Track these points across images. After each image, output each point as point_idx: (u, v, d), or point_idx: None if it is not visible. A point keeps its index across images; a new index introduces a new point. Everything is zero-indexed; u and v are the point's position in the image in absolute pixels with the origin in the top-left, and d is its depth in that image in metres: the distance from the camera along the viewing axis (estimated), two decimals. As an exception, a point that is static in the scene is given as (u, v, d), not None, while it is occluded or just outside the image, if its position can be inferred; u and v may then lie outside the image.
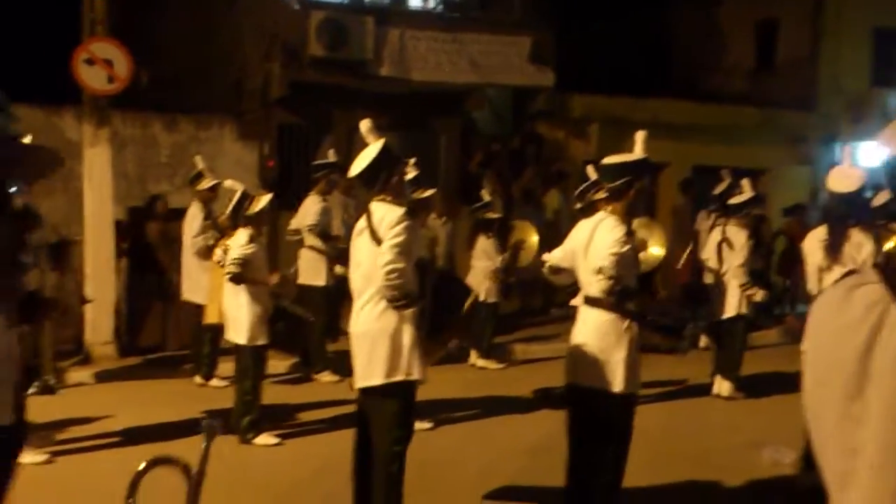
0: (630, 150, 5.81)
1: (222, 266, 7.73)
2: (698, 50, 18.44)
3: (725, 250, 9.22)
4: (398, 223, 5.15)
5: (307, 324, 8.53)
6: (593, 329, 5.69)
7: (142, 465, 1.67)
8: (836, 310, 1.29)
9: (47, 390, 8.44)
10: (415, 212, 5.35)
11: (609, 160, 5.85)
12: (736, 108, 16.11)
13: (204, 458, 1.63)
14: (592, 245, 5.72)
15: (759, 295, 9.20)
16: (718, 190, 10.78)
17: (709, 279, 9.78)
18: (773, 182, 16.16)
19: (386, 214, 5.22)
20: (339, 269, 9.99)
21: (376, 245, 5.21)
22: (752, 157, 15.62)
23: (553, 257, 6.17)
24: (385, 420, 5.31)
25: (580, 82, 14.61)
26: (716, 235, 9.43)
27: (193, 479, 1.65)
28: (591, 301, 5.76)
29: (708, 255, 9.55)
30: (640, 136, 5.72)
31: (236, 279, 7.43)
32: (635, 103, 14.85)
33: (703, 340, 11.02)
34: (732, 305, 9.17)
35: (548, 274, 6.27)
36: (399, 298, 5.17)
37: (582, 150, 14.80)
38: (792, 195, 15.38)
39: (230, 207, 7.91)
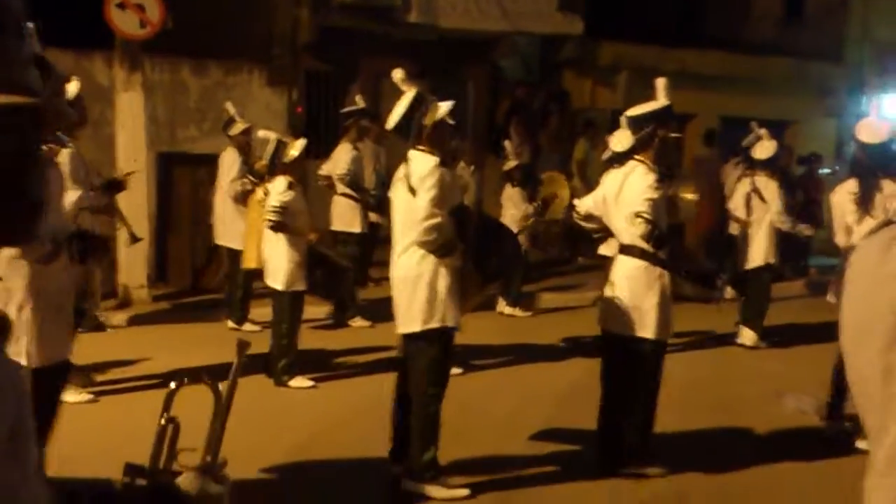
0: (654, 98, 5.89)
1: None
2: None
3: (755, 200, 9.26)
4: (429, 175, 5.21)
5: (344, 269, 8.65)
6: (626, 277, 5.81)
7: (173, 384, 1.78)
8: (877, 261, 1.30)
9: (98, 328, 8.63)
10: (445, 163, 5.38)
11: (633, 111, 5.93)
12: (765, 58, 15.95)
13: (235, 375, 1.74)
14: (623, 193, 5.82)
15: (808, 230, 9.36)
16: (747, 142, 10.76)
17: (734, 230, 9.82)
18: (798, 134, 16.10)
19: (419, 166, 5.29)
20: (373, 216, 10.11)
21: (412, 195, 5.29)
22: (780, 108, 15.54)
23: (584, 204, 6.26)
24: (423, 364, 5.44)
25: (609, 30, 14.52)
26: (743, 186, 9.46)
27: (225, 397, 1.76)
28: (624, 249, 5.87)
29: (735, 205, 9.59)
30: (660, 83, 5.80)
31: (276, 227, 7.53)
32: (664, 52, 14.74)
33: (730, 292, 11.09)
34: (759, 255, 9.24)
35: (579, 220, 6.37)
36: (436, 249, 5.26)
37: (609, 99, 14.76)
38: (817, 147, 15.34)
39: (267, 155, 7.98)
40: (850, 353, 1.34)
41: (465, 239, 5.42)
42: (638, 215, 5.66)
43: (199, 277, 11.32)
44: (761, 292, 9.35)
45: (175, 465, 1.66)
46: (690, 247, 9.50)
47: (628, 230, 5.77)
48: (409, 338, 5.49)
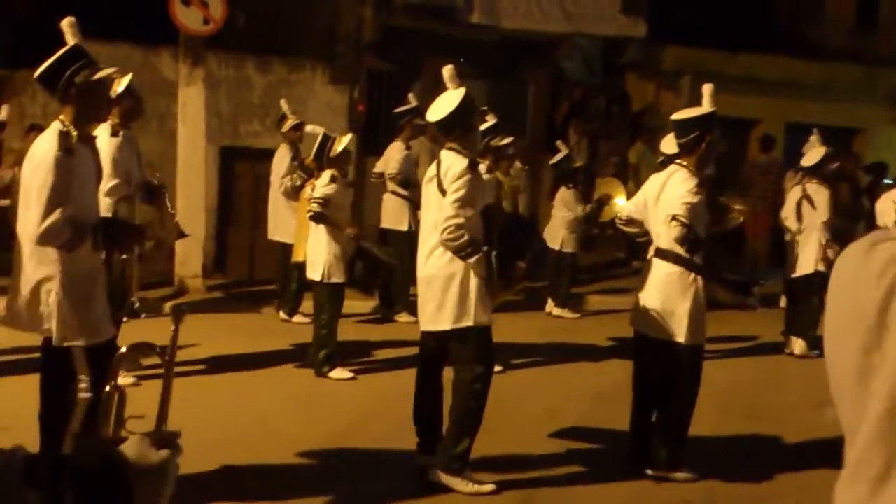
0: (714, 105, 5.86)
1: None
2: (800, 2, 17.95)
3: (806, 207, 9.14)
4: (460, 176, 5.26)
5: (386, 266, 8.76)
6: (660, 281, 5.81)
7: (122, 349, 1.86)
8: (859, 262, 1.29)
9: (132, 314, 8.84)
10: (475, 165, 5.42)
11: (678, 115, 5.94)
12: (834, 64, 15.66)
13: (173, 340, 1.83)
14: (663, 196, 5.82)
15: (834, 254, 9.09)
16: (806, 149, 10.62)
17: (787, 237, 9.70)
18: (867, 142, 15.77)
19: (451, 166, 5.34)
20: (422, 214, 10.20)
21: (442, 195, 5.36)
22: (849, 115, 15.26)
23: (626, 209, 6.29)
24: (465, 360, 5.49)
25: (673, 33, 14.41)
26: (795, 194, 9.35)
27: (167, 363, 1.83)
28: (659, 253, 5.87)
29: (787, 213, 9.48)
30: (707, 89, 5.78)
31: (317, 218, 7.68)
32: (729, 57, 14.60)
33: (784, 301, 10.97)
34: (809, 263, 9.10)
35: (621, 225, 6.39)
36: (460, 251, 5.31)
37: (672, 103, 14.62)
38: (887, 156, 14.99)
39: (314, 150, 8.13)
40: (830, 354, 1.34)
41: (490, 240, 5.47)
42: (674, 218, 5.66)
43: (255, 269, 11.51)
44: (812, 300, 9.21)
45: (124, 433, 1.73)
46: (729, 253, 9.38)
47: (666, 234, 5.77)
48: (441, 336, 5.54)
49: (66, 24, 4.63)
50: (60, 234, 4.43)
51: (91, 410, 4.28)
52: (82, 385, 4.50)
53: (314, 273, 7.78)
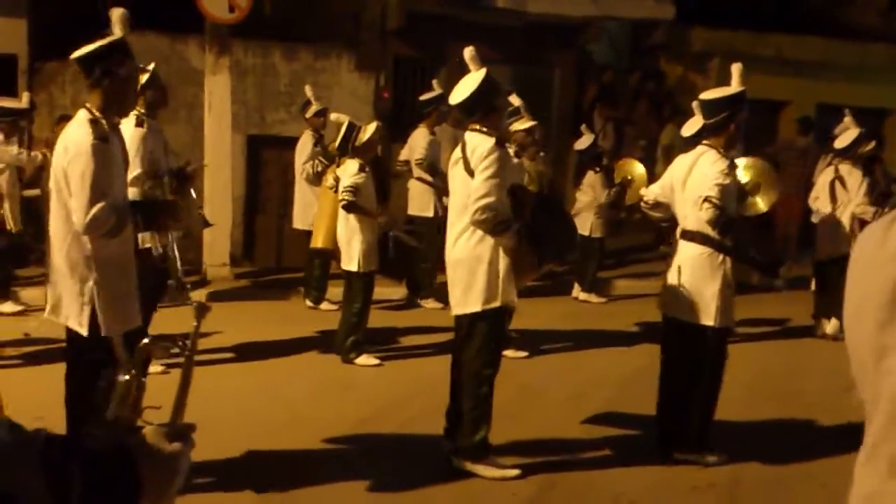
0: (743, 85, 5.79)
1: (335, 192, 7.99)
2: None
3: (838, 188, 9.04)
4: (488, 155, 5.24)
5: (414, 252, 8.76)
6: (689, 263, 5.78)
7: (143, 342, 1.87)
8: (878, 241, 1.31)
9: (181, 287, 8.93)
10: (502, 143, 5.39)
11: (706, 95, 5.88)
12: (865, 45, 15.43)
13: (195, 335, 1.83)
14: (691, 178, 5.77)
15: None
16: (838, 130, 10.49)
17: (816, 219, 9.60)
18: (898, 124, 15.56)
19: (478, 146, 5.31)
20: (447, 200, 10.19)
21: (469, 176, 5.34)
22: (880, 96, 15.03)
23: (651, 192, 6.23)
24: (476, 344, 5.49)
25: (702, 15, 14.26)
26: (827, 175, 9.25)
27: (187, 355, 1.83)
28: (687, 235, 5.83)
29: (818, 193, 9.38)
30: (736, 69, 5.72)
31: (349, 207, 7.68)
32: (759, 38, 14.42)
33: (813, 283, 10.87)
34: (840, 244, 9.00)
35: (646, 209, 6.34)
36: (492, 229, 5.31)
37: (702, 85, 14.47)
38: (919, 138, 14.81)
39: (339, 138, 8.14)
40: (849, 330, 1.35)
41: (521, 218, 5.45)
42: (707, 200, 5.61)
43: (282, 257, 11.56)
44: (842, 282, 9.11)
45: (140, 422, 1.74)
46: (758, 234, 9.26)
47: (694, 215, 5.73)
48: (466, 318, 5.54)
49: (118, 14, 4.63)
50: (107, 221, 4.45)
51: (105, 395, 4.30)
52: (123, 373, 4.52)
53: (350, 264, 7.78)
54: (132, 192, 5.73)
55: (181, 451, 1.55)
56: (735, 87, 5.77)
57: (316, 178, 9.39)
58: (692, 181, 5.77)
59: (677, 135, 13.38)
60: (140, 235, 5.40)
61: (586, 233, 10.53)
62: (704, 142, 5.88)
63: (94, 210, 4.40)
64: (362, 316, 7.82)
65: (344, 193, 7.71)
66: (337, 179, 8.02)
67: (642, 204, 6.33)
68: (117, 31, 4.62)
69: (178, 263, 6.00)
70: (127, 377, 1.75)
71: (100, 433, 1.62)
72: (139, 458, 1.48)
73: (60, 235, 4.63)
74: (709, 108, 5.83)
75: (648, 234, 13.61)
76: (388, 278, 8.51)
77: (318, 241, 8.41)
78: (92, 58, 4.57)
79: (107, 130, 4.55)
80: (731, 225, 5.72)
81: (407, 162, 10.25)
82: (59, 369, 4.86)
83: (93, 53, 4.57)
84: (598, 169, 10.77)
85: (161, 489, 1.50)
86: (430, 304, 9.92)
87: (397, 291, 9.99)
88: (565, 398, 7.03)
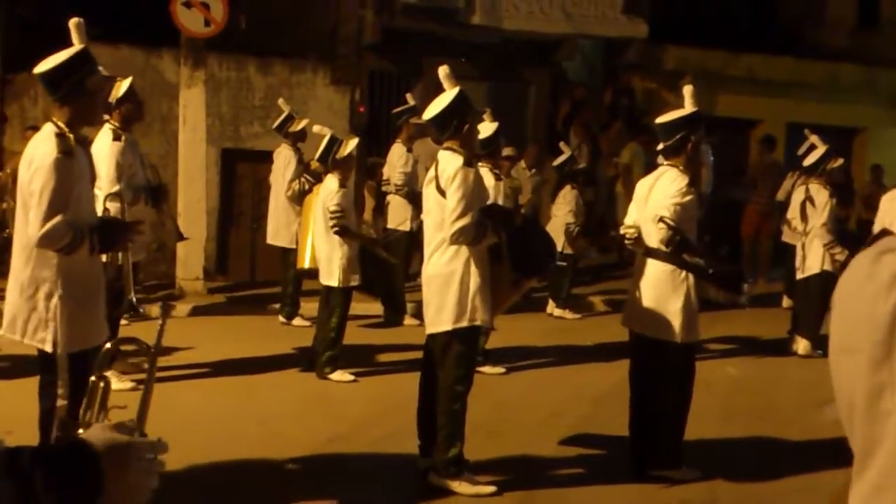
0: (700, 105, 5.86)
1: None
2: (803, 2, 17.94)
3: (809, 208, 9.13)
4: (455, 175, 5.25)
5: (392, 268, 8.71)
6: (651, 280, 5.83)
7: (108, 345, 1.89)
8: (866, 274, 1.26)
9: (131, 308, 8.83)
10: (470, 163, 5.40)
11: (661, 118, 5.96)
12: (835, 64, 15.65)
13: (159, 336, 1.86)
14: (652, 195, 5.84)
15: (841, 255, 9.05)
16: (802, 150, 10.58)
17: (792, 238, 9.69)
18: (867, 142, 15.77)
19: (447, 165, 5.34)
20: (424, 215, 10.20)
21: (442, 196, 5.35)
22: (850, 115, 15.26)
23: (629, 228, 6.10)
24: (449, 361, 5.48)
25: (675, 34, 14.40)
26: (799, 195, 9.34)
27: (151, 356, 1.86)
28: (650, 252, 5.86)
29: (793, 214, 9.47)
30: (687, 90, 5.81)
31: (342, 231, 7.64)
32: (730, 57, 14.61)
33: (786, 301, 10.97)
34: (815, 263, 9.08)
35: (630, 245, 6.26)
36: (472, 241, 5.32)
37: (674, 103, 14.54)
38: (887, 157, 14.99)
39: (320, 150, 8.09)
40: (836, 366, 1.30)
41: (499, 235, 5.46)
42: (662, 220, 5.66)
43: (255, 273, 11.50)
44: (817, 300, 9.19)
45: (105, 421, 1.74)
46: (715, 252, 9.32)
47: (655, 232, 5.77)
48: (440, 336, 5.53)
49: (74, 24, 4.56)
50: (62, 237, 4.40)
51: (73, 411, 4.26)
52: (60, 391, 4.47)
53: (330, 279, 7.74)
54: (114, 208, 5.68)
55: (134, 440, 1.56)
56: (689, 107, 5.84)
57: (300, 197, 9.18)
58: (653, 199, 5.83)
59: (638, 153, 13.49)
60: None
61: (559, 249, 10.55)
62: (666, 162, 5.93)
63: (50, 224, 4.36)
64: (340, 331, 7.78)
65: (333, 219, 7.63)
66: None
67: (626, 242, 6.30)
68: (77, 42, 4.57)
69: (132, 282, 5.89)
70: (92, 380, 1.79)
71: (63, 437, 1.66)
72: (95, 451, 1.50)
73: (25, 249, 4.57)
74: (665, 130, 5.90)
75: (617, 252, 13.71)
76: (363, 293, 8.47)
77: (303, 261, 8.28)
78: (57, 73, 4.50)
79: (73, 145, 4.49)
80: (687, 244, 5.75)
81: (388, 181, 10.24)
82: (30, 384, 4.81)
83: (58, 69, 4.50)
84: (573, 185, 10.82)
85: (121, 478, 1.50)
86: (408, 320, 9.87)
87: (373, 307, 9.95)
88: (542, 415, 7.03)
